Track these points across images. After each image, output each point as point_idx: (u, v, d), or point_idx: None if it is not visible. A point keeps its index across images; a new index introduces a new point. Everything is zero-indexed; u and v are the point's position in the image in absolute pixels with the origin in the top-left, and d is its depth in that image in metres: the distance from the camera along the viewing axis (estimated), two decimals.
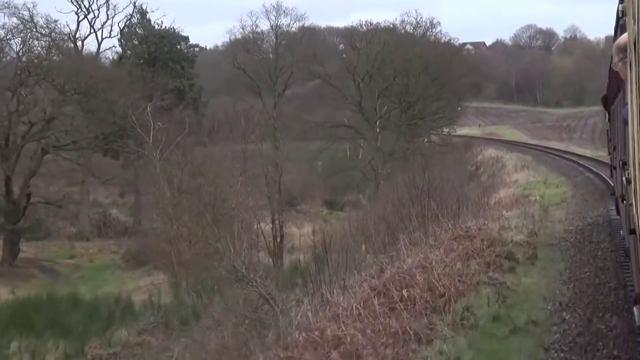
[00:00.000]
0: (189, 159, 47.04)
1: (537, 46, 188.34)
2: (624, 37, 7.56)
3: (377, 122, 68.78)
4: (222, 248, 26.07)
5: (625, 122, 8.26)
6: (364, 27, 75.29)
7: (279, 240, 50.12)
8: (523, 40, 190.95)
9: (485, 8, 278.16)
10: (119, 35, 71.85)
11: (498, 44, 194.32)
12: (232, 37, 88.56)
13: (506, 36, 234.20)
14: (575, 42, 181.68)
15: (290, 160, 79.87)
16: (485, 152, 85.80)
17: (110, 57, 75.31)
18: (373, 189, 64.64)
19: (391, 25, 77.74)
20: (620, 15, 8.49)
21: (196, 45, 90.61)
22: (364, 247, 27.46)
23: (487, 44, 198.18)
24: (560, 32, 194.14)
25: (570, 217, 29.93)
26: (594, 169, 48.68)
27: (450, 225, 25.93)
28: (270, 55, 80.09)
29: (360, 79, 69.21)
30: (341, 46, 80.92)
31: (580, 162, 57.44)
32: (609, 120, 23.81)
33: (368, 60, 68.10)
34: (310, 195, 77.15)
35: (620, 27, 9.19)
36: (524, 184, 46.05)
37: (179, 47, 76.24)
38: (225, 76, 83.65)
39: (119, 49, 73.79)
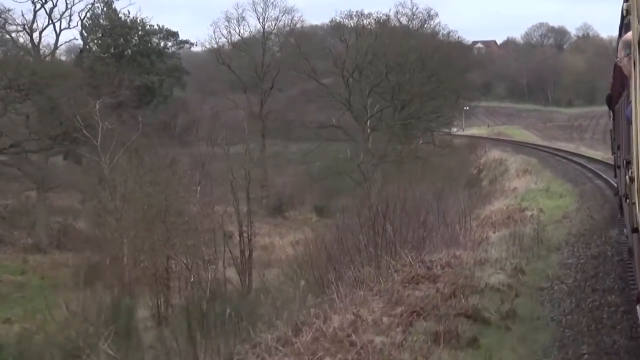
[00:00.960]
0: (135, 164, 40.23)
1: (549, 44, 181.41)
2: (630, 34, 7.28)
3: (368, 122, 61.88)
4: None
5: (629, 121, 7.95)
6: (354, 18, 67.95)
7: (247, 256, 43.44)
8: (534, 39, 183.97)
9: (496, 7, 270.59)
10: (79, 26, 64.88)
11: (509, 43, 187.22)
12: (217, 31, 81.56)
13: (517, 35, 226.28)
14: (587, 41, 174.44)
15: (282, 162, 73.27)
16: (490, 154, 79.12)
17: (71, 51, 67.92)
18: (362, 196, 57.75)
19: (384, 17, 70.16)
20: (624, 14, 8.06)
21: (187, 41, 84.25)
22: (302, 284, 20.81)
23: (498, 43, 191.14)
24: (572, 30, 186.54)
25: (572, 242, 23.19)
26: (603, 175, 41.72)
27: (410, 258, 19.28)
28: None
29: (349, 74, 62.23)
30: (329, 39, 73.16)
31: (589, 166, 50.40)
32: (613, 119, 22.91)
33: (358, 54, 61.12)
34: (300, 201, 70.34)
35: (625, 26, 9.14)
36: (522, 193, 39.20)
37: (147, 39, 68.99)
38: (211, 74, 76.70)
39: (81, 42, 66.65)
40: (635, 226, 8.37)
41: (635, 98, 7.03)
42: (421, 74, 62.38)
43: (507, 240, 23.75)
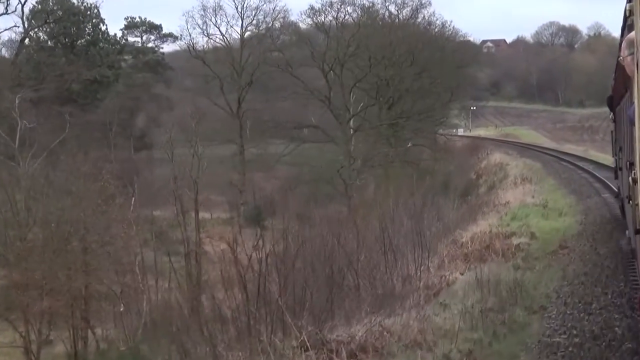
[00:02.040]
0: (45, 172, 32.97)
1: (560, 44, 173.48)
2: (633, 34, 7.46)
3: (351, 122, 54.31)
4: None
5: (632, 122, 8.17)
6: (335, 6, 59.49)
7: (195, 277, 36.21)
8: (545, 38, 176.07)
9: (506, 7, 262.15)
10: (20, 12, 56.71)
11: (519, 42, 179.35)
12: (190, 21, 74.07)
13: (528, 34, 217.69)
14: (599, 40, 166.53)
15: (264, 165, 65.79)
16: (492, 157, 71.70)
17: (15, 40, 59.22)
18: (350, 204, 50.18)
19: (369, 4, 61.25)
20: (627, 14, 8.36)
21: (170, 35, 77.08)
22: None
23: (508, 42, 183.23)
24: (584, 29, 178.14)
25: (565, 296, 15.94)
26: (613, 186, 34.22)
27: (305, 336, 12.00)
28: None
29: (329, 67, 54.56)
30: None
31: (598, 173, 42.74)
32: (614, 121, 22.60)
33: (339, 46, 53.46)
34: (284, 207, 62.67)
35: (628, 27, 8.96)
36: (515, 209, 31.72)
37: (102, 28, 60.99)
38: (193, 70, 68.91)
39: (26, 29, 57.98)
40: (638, 227, 8.12)
41: (638, 98, 7.05)
42: (411, 68, 54.64)
43: (473, 290, 16.53)
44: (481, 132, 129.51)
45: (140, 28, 77.98)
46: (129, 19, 77.41)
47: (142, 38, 78.59)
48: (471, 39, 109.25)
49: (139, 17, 77.09)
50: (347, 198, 50.59)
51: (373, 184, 60.14)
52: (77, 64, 51.97)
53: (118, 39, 62.14)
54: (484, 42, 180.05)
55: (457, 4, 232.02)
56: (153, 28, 77.76)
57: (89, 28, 59.17)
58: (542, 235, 24.35)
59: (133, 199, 33.30)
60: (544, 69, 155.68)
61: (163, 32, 78.10)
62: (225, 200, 70.50)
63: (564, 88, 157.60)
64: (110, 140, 45.14)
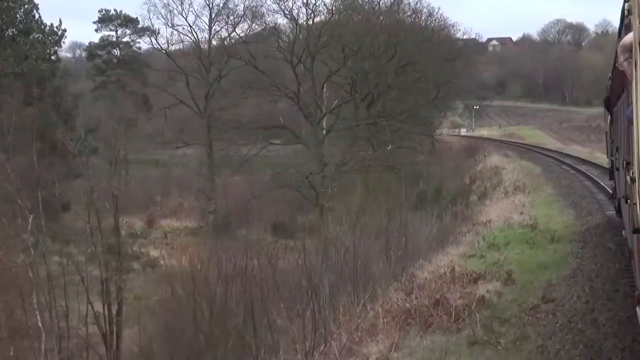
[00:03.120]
0: None
1: (567, 42, 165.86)
2: (629, 37, 7.42)
3: (323, 121, 47.36)
4: None
5: (630, 122, 7.99)
6: None
7: (115, 311, 29.41)
8: (551, 36, 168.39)
9: (512, 6, 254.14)
10: None
11: (525, 40, 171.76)
12: (152, 10, 67.01)
13: (534, 32, 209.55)
14: (607, 38, 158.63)
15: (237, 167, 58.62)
16: (489, 160, 64.90)
17: None
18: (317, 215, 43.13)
19: None
20: (625, 14, 8.20)
21: (147, 29, 70.19)
22: None
23: (514, 40, 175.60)
24: (591, 27, 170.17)
25: None
26: (609, 188, 27.38)
27: None
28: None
29: (297, 60, 47.54)
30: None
31: (604, 182, 35.42)
32: (611, 121, 21.47)
33: (309, 34, 46.51)
34: (257, 216, 55.64)
35: (625, 27, 9.07)
36: (496, 231, 24.77)
37: (36, 15, 53.60)
38: (154, 65, 61.88)
39: None
40: (635, 227, 7.96)
41: (636, 99, 7.05)
42: (393, 61, 47.40)
43: None
44: (484, 132, 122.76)
45: (115, 21, 71.36)
46: (103, 11, 70.90)
47: (117, 32, 72.00)
48: (461, 28, 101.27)
49: (114, 10, 70.47)
50: (318, 208, 43.61)
51: (360, 191, 53.41)
52: (4, 56, 45.07)
53: (55, 28, 54.87)
54: (490, 40, 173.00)
55: (462, 2, 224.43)
56: (129, 21, 71.16)
57: (20, 15, 51.88)
58: (521, 277, 17.42)
59: (31, 216, 26.50)
60: (551, 68, 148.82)
61: (140, 25, 71.29)
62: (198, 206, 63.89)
63: (571, 87, 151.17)
64: (9, 146, 38.10)
